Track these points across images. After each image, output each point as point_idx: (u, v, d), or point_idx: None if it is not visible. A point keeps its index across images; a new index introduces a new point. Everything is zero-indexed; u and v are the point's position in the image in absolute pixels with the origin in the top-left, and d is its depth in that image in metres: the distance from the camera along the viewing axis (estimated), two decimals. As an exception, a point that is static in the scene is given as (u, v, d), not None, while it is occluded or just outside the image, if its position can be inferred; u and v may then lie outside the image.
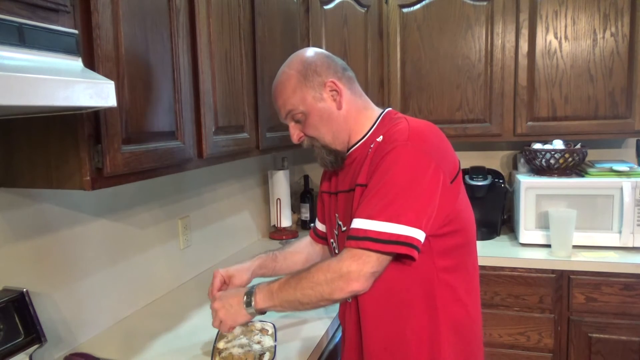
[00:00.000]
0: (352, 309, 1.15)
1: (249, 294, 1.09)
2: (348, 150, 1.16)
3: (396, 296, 1.06)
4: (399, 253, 0.97)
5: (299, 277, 1.04)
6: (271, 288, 1.07)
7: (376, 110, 1.17)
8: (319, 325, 1.42)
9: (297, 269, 1.37)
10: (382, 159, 1.01)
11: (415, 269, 1.03)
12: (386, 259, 0.98)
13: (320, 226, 1.38)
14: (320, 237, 1.39)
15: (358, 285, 0.97)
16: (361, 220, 0.98)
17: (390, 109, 1.18)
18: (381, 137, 1.07)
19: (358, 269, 0.96)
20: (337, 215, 1.20)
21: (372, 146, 1.09)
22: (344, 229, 1.16)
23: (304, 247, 1.41)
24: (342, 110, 1.12)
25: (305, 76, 1.10)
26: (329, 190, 1.26)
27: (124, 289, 1.54)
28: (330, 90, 1.11)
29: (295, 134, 1.16)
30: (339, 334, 1.53)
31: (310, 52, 1.15)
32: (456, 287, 1.08)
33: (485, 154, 2.61)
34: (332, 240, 1.26)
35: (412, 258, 0.98)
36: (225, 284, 1.27)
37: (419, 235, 0.97)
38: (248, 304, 1.08)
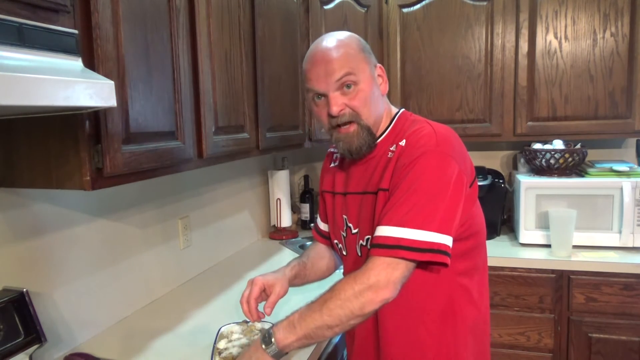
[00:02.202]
0: None
1: (267, 335, 0.99)
2: None
3: (416, 302, 1.05)
4: (433, 261, 0.95)
5: (322, 299, 0.97)
6: (290, 320, 0.98)
7: (393, 109, 1.16)
8: (319, 325, 1.42)
9: (325, 276, 1.34)
10: (411, 165, 0.98)
11: (435, 274, 1.02)
12: (414, 265, 0.96)
13: (323, 226, 1.35)
14: (324, 237, 1.35)
15: (388, 292, 0.93)
16: (390, 227, 0.95)
17: (404, 109, 1.15)
18: (404, 141, 1.04)
19: (387, 277, 0.93)
20: (345, 217, 1.17)
21: (391, 149, 1.06)
22: (354, 231, 1.14)
23: (325, 252, 1.36)
24: (383, 97, 1.11)
25: (365, 50, 1.07)
26: (333, 190, 1.22)
27: (124, 289, 1.54)
28: (378, 75, 1.10)
29: (338, 103, 1.03)
30: (339, 335, 1.53)
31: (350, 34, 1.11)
32: (471, 289, 1.08)
33: (485, 154, 2.61)
34: (336, 241, 1.23)
35: (445, 265, 0.96)
36: (265, 293, 1.18)
37: (449, 241, 0.96)
38: (268, 343, 0.97)
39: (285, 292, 1.20)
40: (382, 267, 0.94)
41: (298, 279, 1.27)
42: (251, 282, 1.18)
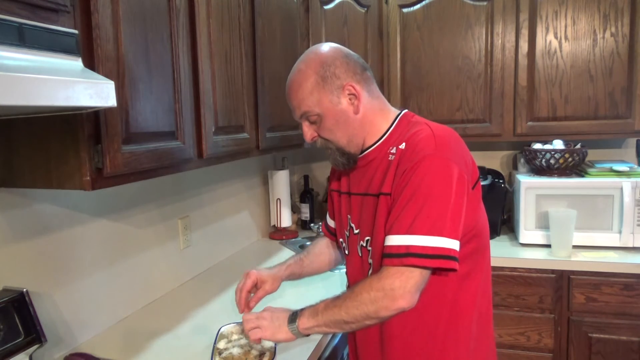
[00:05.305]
0: None
1: (295, 312, 1.09)
2: (363, 152, 1.13)
3: (422, 307, 1.04)
4: (443, 267, 0.95)
5: (344, 296, 1.02)
6: (316, 308, 1.06)
7: (392, 112, 1.15)
8: (319, 325, 1.42)
9: (322, 271, 1.39)
10: (412, 171, 0.98)
11: (440, 278, 1.02)
12: (428, 272, 0.97)
13: (331, 222, 1.37)
14: (332, 233, 1.37)
15: (404, 302, 0.95)
16: (399, 236, 0.96)
17: (407, 110, 1.15)
18: (404, 144, 1.05)
19: (402, 285, 0.95)
20: (349, 217, 1.18)
21: (392, 151, 1.06)
22: (356, 231, 1.15)
23: (325, 248, 1.40)
24: (358, 114, 1.09)
25: (323, 78, 1.06)
26: (339, 189, 1.23)
27: (124, 289, 1.54)
28: (349, 94, 1.07)
29: (309, 133, 1.12)
30: (339, 335, 1.53)
31: (329, 50, 1.09)
32: (473, 291, 1.08)
33: (485, 154, 2.61)
34: (341, 239, 1.24)
35: (454, 270, 0.97)
36: (256, 287, 1.25)
37: (456, 245, 0.96)
38: (292, 320, 1.07)
39: (274, 290, 1.27)
40: (396, 276, 0.95)
41: (293, 276, 1.33)
42: (246, 275, 1.25)
